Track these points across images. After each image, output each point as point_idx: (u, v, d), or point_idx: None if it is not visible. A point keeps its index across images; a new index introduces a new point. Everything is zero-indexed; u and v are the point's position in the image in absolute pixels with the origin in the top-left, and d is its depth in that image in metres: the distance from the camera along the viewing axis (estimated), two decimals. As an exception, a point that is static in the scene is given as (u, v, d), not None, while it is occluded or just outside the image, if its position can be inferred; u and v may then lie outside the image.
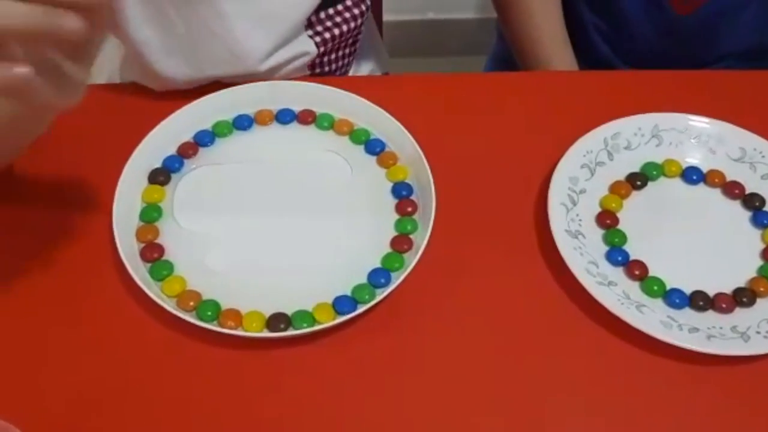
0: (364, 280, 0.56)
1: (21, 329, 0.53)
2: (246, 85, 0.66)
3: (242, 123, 0.66)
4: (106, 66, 0.76)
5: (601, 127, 0.65)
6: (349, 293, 0.55)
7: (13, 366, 0.52)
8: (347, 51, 0.76)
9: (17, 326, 0.53)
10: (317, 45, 0.70)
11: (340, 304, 0.54)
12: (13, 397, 0.50)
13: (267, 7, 0.64)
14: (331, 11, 0.70)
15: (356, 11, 0.71)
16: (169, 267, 0.56)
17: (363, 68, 0.84)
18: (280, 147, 0.65)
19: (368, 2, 0.72)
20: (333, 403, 0.52)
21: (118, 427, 0.49)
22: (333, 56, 0.74)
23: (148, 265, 0.56)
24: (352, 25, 0.71)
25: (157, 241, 0.58)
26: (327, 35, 0.71)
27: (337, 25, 0.71)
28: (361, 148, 0.65)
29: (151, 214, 0.59)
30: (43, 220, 0.59)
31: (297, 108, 0.67)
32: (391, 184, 0.62)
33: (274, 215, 0.60)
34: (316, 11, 0.68)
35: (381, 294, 0.54)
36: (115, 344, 0.53)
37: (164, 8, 0.62)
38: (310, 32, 0.70)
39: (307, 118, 0.66)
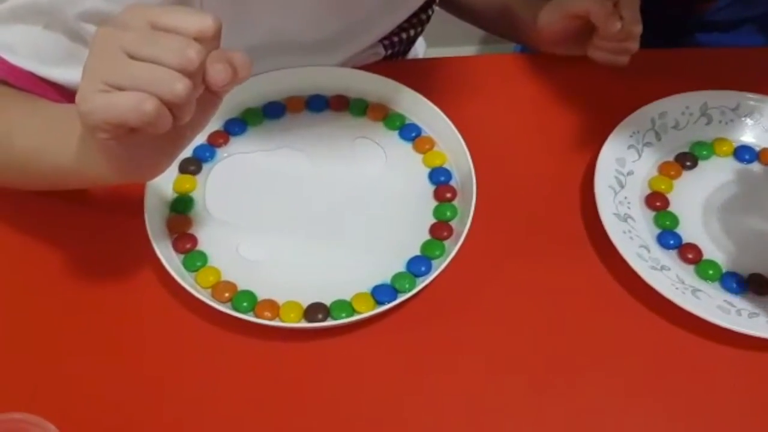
0: (403, 268, 0.54)
1: (55, 323, 0.52)
2: (275, 72, 0.65)
3: (273, 111, 0.64)
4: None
5: (647, 106, 0.62)
6: (388, 282, 0.53)
7: (47, 361, 0.50)
8: (407, 50, 0.76)
9: (51, 320, 0.52)
10: (385, 48, 0.70)
11: (380, 294, 0.52)
12: (47, 392, 0.49)
13: None
14: (405, 24, 0.69)
15: (423, 16, 0.70)
16: (203, 258, 0.54)
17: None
18: (312, 134, 0.63)
19: (434, 8, 0.71)
20: (371, 394, 0.50)
21: (153, 419, 0.48)
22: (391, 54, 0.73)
23: (182, 256, 0.54)
24: (419, 29, 0.72)
25: (189, 231, 0.56)
26: (395, 39, 0.70)
27: (404, 29, 0.70)
28: (395, 133, 0.63)
29: (182, 205, 0.57)
30: (74, 213, 0.57)
31: (329, 94, 0.65)
32: (428, 170, 0.60)
33: (308, 204, 0.58)
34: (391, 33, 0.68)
35: (422, 283, 0.52)
36: (150, 336, 0.52)
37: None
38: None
39: (339, 104, 0.65)
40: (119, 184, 0.47)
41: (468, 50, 1.46)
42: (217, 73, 0.40)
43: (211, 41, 0.40)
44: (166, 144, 0.45)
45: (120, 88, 0.39)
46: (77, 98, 0.40)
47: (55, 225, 0.57)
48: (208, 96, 0.43)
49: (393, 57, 0.73)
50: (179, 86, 0.39)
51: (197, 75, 0.40)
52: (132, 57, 0.39)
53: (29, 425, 0.43)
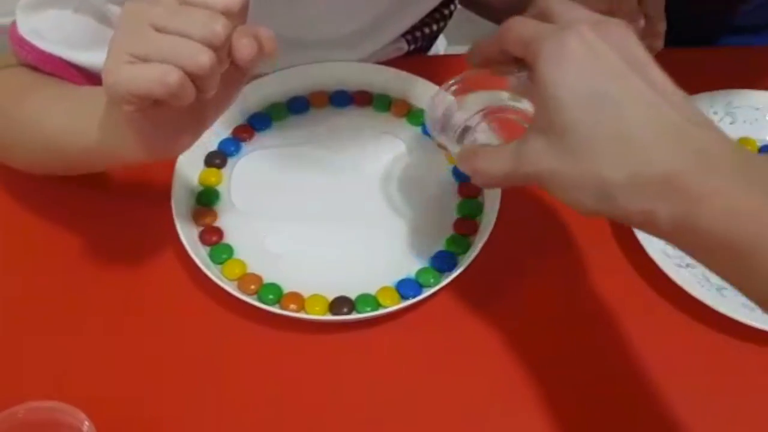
0: (427, 263, 0.54)
1: (83, 314, 0.53)
2: (299, 67, 0.65)
3: (297, 106, 0.64)
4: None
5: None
6: (413, 276, 0.53)
7: (77, 351, 0.51)
8: (429, 46, 0.76)
9: (79, 312, 0.53)
10: (408, 42, 0.70)
11: (404, 288, 0.52)
12: (77, 382, 0.49)
13: None
14: (427, 19, 0.69)
15: (445, 11, 0.71)
16: (229, 250, 0.55)
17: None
18: (336, 130, 0.63)
19: (456, 3, 0.71)
20: (395, 387, 0.50)
21: (179, 409, 0.48)
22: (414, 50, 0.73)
23: (208, 248, 0.55)
24: (442, 24, 0.72)
25: (215, 224, 0.56)
26: (417, 33, 0.70)
27: (426, 24, 0.70)
28: (419, 129, 0.63)
29: (208, 198, 0.58)
30: (103, 204, 0.58)
31: (352, 90, 0.65)
32: (451, 166, 0.60)
33: (332, 198, 0.58)
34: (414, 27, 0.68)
35: (447, 278, 0.52)
36: (176, 327, 0.52)
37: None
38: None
39: (363, 99, 0.65)
40: (143, 162, 0.47)
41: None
42: (243, 47, 0.40)
43: (237, 17, 0.40)
44: (190, 120, 0.46)
45: (146, 60, 0.40)
46: (103, 72, 0.41)
47: (84, 216, 0.57)
48: (233, 72, 0.43)
49: (415, 52, 0.73)
50: (204, 58, 0.39)
51: (222, 49, 0.40)
52: (159, 30, 0.40)
53: (59, 413, 0.44)
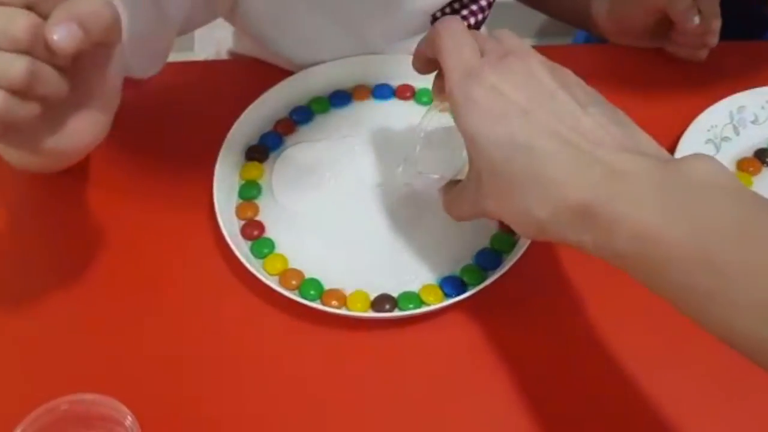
0: (471, 260, 0.53)
1: (123, 305, 0.53)
2: (342, 60, 0.64)
3: (339, 99, 0.64)
4: (215, 38, 0.75)
5: (725, 100, 0.60)
6: (457, 274, 0.52)
7: (121, 346, 0.51)
8: None
9: (120, 305, 0.53)
10: None
11: (448, 286, 0.51)
12: (121, 377, 0.49)
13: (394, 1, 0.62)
14: (456, 5, 0.68)
15: (483, 3, 0.69)
16: (270, 245, 0.54)
17: None
18: (378, 123, 0.62)
19: None
20: (436, 385, 0.49)
21: (221, 405, 0.48)
22: None
23: (249, 243, 0.54)
24: (480, 17, 0.70)
25: (257, 218, 0.56)
26: None
27: (465, 18, 0.68)
28: (463, 124, 0.62)
29: (250, 192, 0.57)
30: (144, 199, 0.58)
31: (395, 83, 0.64)
32: (497, 162, 0.59)
33: (374, 194, 0.57)
34: (443, 6, 0.66)
35: (492, 276, 0.51)
36: (218, 321, 0.52)
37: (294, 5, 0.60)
38: None
39: (405, 92, 0.64)
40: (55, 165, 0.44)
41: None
42: (59, 40, 0.34)
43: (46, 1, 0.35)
44: (71, 118, 0.40)
45: None
46: None
47: (128, 211, 0.57)
48: (88, 53, 0.37)
49: None
50: (15, 70, 0.34)
51: (39, 45, 0.35)
52: None
53: (102, 407, 0.44)
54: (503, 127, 0.40)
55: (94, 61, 0.40)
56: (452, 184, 0.49)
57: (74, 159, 0.50)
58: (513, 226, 0.43)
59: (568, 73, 0.43)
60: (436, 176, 0.51)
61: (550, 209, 0.38)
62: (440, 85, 0.47)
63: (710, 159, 0.36)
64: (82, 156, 0.49)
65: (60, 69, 0.37)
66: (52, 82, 0.37)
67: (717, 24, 0.61)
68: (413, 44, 0.49)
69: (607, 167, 0.37)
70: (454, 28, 0.45)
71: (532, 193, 0.39)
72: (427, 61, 0.48)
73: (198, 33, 0.80)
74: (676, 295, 0.36)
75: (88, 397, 0.44)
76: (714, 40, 0.62)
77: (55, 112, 0.39)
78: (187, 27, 0.59)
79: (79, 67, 0.39)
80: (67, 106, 0.39)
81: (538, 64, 0.42)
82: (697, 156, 0.37)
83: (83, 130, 0.41)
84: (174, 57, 0.66)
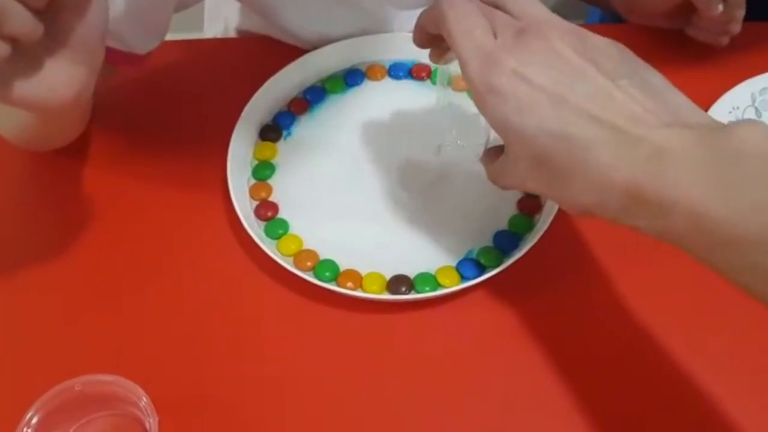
0: (489, 242, 0.52)
1: (138, 286, 0.52)
2: (356, 39, 0.63)
3: (354, 78, 0.63)
4: (222, 15, 0.75)
5: (746, 81, 0.59)
6: (474, 256, 0.52)
7: (135, 327, 0.50)
8: None
9: (134, 285, 0.52)
10: None
11: (465, 268, 0.51)
12: (135, 357, 0.49)
13: None
14: None
15: None
16: (285, 226, 0.54)
17: None
18: (393, 103, 0.61)
19: None
20: (453, 367, 0.48)
21: (235, 387, 0.48)
22: None
23: (263, 223, 0.54)
24: None
25: (270, 199, 0.55)
26: None
27: None
28: (480, 104, 0.61)
29: (263, 172, 0.57)
30: (158, 180, 0.57)
31: (411, 62, 0.63)
32: (514, 143, 0.58)
33: (390, 174, 0.57)
34: None
35: (510, 259, 0.50)
36: (232, 302, 0.51)
37: None
38: None
39: (421, 72, 0.63)
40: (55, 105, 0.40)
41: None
42: None
43: None
44: (47, 66, 0.39)
45: None
46: None
47: (140, 192, 0.57)
48: None
49: None
50: None
51: None
52: None
53: (117, 387, 0.43)
54: (534, 119, 0.38)
55: (72, 6, 0.38)
56: (493, 153, 0.46)
57: (54, 118, 0.49)
58: (562, 207, 0.41)
59: (591, 39, 0.40)
60: (469, 146, 0.50)
61: (596, 196, 0.36)
62: (438, 53, 0.47)
63: (762, 126, 0.33)
64: (62, 114, 0.47)
65: (34, 11, 0.36)
66: (23, 20, 0.35)
67: (741, 13, 0.60)
68: (417, 15, 0.47)
69: (651, 146, 0.35)
70: (459, 5, 0.42)
71: (574, 181, 0.37)
72: (429, 37, 0.46)
73: (207, 12, 0.80)
74: (743, 277, 0.33)
75: (102, 377, 0.43)
76: (737, 27, 0.61)
77: (29, 58, 0.38)
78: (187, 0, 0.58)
79: (56, 11, 0.37)
80: (42, 52, 0.38)
81: (558, 39, 0.39)
82: (747, 123, 0.34)
83: (59, 81, 0.39)
84: (185, 37, 0.65)
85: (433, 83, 0.62)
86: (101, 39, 0.41)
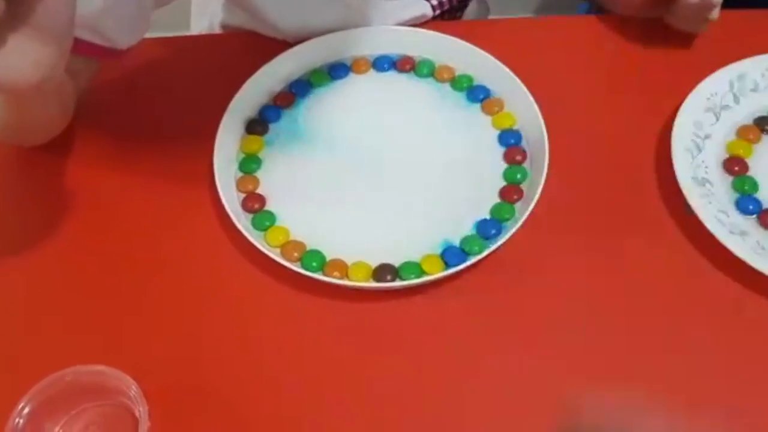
0: (472, 230, 0.53)
1: (128, 279, 0.53)
2: (341, 33, 0.64)
3: (339, 72, 0.63)
4: (207, 12, 0.75)
5: (725, 68, 0.60)
6: (457, 244, 0.52)
7: (125, 317, 0.51)
8: (458, 14, 0.74)
9: (123, 277, 0.53)
10: (433, 8, 0.68)
11: (449, 256, 0.52)
12: (125, 347, 0.50)
13: None
14: None
15: None
16: (271, 217, 0.54)
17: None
18: (378, 96, 0.62)
19: None
20: (439, 354, 0.49)
21: (223, 373, 0.48)
22: (441, 15, 0.71)
23: (250, 215, 0.54)
24: None
25: (257, 191, 0.56)
26: None
27: None
28: (463, 95, 0.62)
29: (250, 165, 0.57)
30: (146, 175, 0.58)
31: (395, 55, 0.64)
32: (497, 132, 0.59)
33: (375, 165, 0.58)
34: None
35: (492, 246, 0.51)
36: (220, 294, 0.52)
37: None
38: None
39: (405, 65, 0.64)
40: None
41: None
42: None
43: None
44: (10, 43, 0.37)
45: None
46: None
47: (129, 185, 0.57)
48: None
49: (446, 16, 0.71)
50: None
51: None
52: None
53: (107, 377, 0.44)
54: None
55: None
56: None
57: (26, 105, 0.48)
58: None
59: None
60: None
61: None
62: None
63: None
64: (33, 99, 0.46)
65: None
66: None
67: (719, 0, 0.60)
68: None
69: None
70: None
71: None
72: None
73: (194, 8, 0.80)
74: None
75: (93, 367, 0.44)
76: (715, 14, 0.61)
77: None
78: None
79: None
80: (7, 31, 0.36)
81: None
82: None
83: (23, 60, 0.38)
84: (172, 34, 0.66)
85: (418, 76, 0.63)
86: (69, 21, 0.39)
